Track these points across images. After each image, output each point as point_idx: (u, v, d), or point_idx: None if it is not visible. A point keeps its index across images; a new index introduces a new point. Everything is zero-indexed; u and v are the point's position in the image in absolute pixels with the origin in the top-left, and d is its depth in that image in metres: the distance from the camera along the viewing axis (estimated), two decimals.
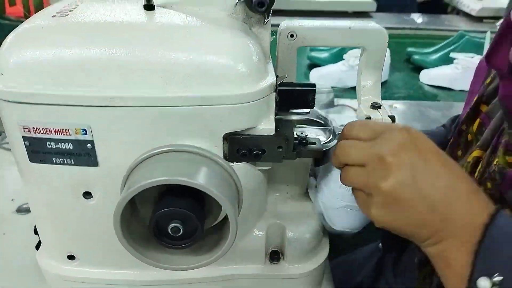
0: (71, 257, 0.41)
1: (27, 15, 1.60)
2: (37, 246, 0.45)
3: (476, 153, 0.49)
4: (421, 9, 2.23)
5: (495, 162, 0.45)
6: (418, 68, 1.24)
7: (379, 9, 1.99)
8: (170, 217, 0.30)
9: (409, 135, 0.33)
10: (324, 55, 1.24)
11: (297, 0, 1.99)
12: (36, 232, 0.45)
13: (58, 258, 0.42)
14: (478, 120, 0.52)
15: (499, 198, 0.42)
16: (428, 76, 1.18)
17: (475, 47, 1.21)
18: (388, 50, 1.18)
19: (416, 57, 1.26)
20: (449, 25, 1.86)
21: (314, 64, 1.24)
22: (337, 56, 1.19)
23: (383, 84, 1.17)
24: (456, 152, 0.54)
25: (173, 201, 0.30)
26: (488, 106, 0.52)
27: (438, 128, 0.68)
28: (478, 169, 0.48)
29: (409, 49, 1.31)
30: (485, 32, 1.23)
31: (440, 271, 0.34)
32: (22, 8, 1.56)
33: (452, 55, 1.18)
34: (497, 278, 0.29)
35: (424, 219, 0.32)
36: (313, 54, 1.25)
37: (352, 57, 1.11)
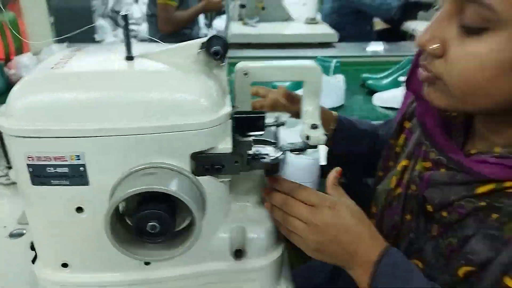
0: (64, 265, 0.49)
1: (8, 58, 1.68)
2: (33, 260, 0.53)
3: (403, 162, 0.60)
4: (381, 37, 2.40)
5: (416, 168, 0.56)
6: (372, 92, 1.38)
7: (341, 39, 2.17)
8: (148, 217, 0.39)
9: (334, 210, 0.48)
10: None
11: (270, 34, 2.15)
12: (32, 248, 0.53)
13: (53, 266, 0.49)
14: (403, 135, 0.64)
15: (423, 197, 0.53)
16: (380, 99, 1.31)
17: None
18: (342, 76, 1.33)
19: (370, 82, 1.40)
20: (404, 51, 2.03)
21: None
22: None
23: (340, 107, 1.30)
24: (388, 163, 0.65)
25: (151, 205, 0.39)
26: (410, 122, 0.63)
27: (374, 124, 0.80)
28: (405, 175, 0.59)
29: (364, 75, 1.45)
30: None
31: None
32: (3, 50, 1.64)
33: (400, 78, 1.32)
34: None
35: (339, 256, 0.49)
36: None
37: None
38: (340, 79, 1.26)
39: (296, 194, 0.50)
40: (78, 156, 0.42)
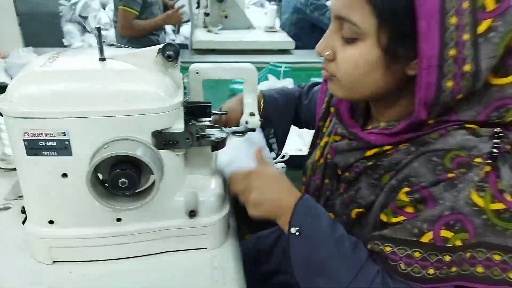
0: (51, 222, 0.62)
1: None
2: (23, 222, 0.65)
3: (325, 139, 0.76)
4: None
5: (329, 141, 0.73)
6: None
7: (299, 48, 2.36)
8: (120, 175, 0.53)
9: (259, 174, 0.66)
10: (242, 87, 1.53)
11: (232, 41, 2.31)
12: (23, 211, 0.65)
13: (42, 224, 0.62)
14: (329, 118, 0.80)
15: (334, 163, 0.69)
16: None
17: None
18: (291, 80, 1.50)
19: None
20: None
21: (234, 93, 1.53)
22: None
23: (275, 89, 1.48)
24: (316, 141, 0.82)
25: (121, 166, 0.53)
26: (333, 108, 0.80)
27: (294, 88, 0.99)
28: (325, 149, 0.75)
29: (313, 79, 1.64)
30: None
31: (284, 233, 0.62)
32: None
33: None
34: (296, 228, 0.59)
35: (270, 210, 0.63)
36: (234, 86, 1.53)
37: (263, 87, 1.40)
38: (289, 82, 1.43)
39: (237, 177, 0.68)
40: (64, 133, 0.56)
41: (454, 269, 0.52)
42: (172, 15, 2.46)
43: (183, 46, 2.97)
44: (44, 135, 0.55)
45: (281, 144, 0.96)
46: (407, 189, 0.55)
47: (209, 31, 2.41)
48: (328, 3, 2.30)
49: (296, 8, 2.44)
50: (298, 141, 1.31)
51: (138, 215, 0.63)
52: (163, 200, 0.63)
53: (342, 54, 0.58)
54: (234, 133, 0.70)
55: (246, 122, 0.69)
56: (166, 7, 2.63)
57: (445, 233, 0.52)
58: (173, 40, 3.40)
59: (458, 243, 0.51)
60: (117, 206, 0.56)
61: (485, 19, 0.50)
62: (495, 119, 0.54)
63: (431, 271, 0.53)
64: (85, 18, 3.32)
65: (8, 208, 0.79)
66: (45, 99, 0.55)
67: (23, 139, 0.55)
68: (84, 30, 3.35)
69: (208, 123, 0.69)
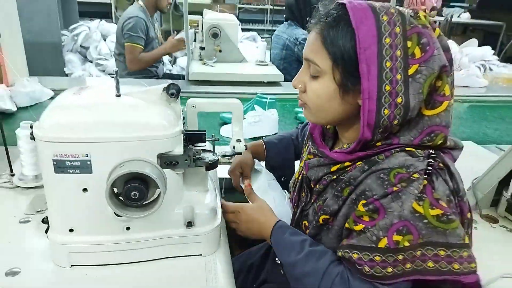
0: (71, 230, 0.73)
1: None
2: (46, 230, 0.76)
3: (303, 160, 0.90)
4: None
5: (306, 159, 0.86)
6: (302, 123, 1.71)
7: (286, 79, 2.54)
8: (131, 189, 0.65)
9: (246, 212, 0.84)
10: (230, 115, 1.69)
11: (225, 73, 2.47)
12: (44, 222, 0.77)
13: (63, 232, 0.73)
14: (307, 144, 0.94)
15: (307, 178, 0.83)
16: None
17: None
18: (275, 110, 1.65)
19: (300, 115, 1.74)
20: None
21: (224, 121, 1.68)
22: None
23: (274, 135, 1.62)
24: (300, 163, 0.95)
25: (133, 182, 0.66)
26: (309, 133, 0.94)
27: (293, 130, 1.15)
28: (301, 168, 0.89)
29: (296, 109, 1.79)
30: None
31: None
32: None
33: None
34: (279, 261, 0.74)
35: (259, 232, 0.81)
36: (223, 115, 1.68)
37: (249, 116, 1.54)
38: (274, 112, 1.58)
39: (228, 209, 0.86)
40: (86, 154, 0.68)
41: (408, 265, 0.65)
42: (176, 44, 2.65)
43: (180, 76, 3.14)
44: (70, 156, 0.68)
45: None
46: (363, 201, 0.68)
47: (204, 63, 2.58)
48: None
49: (286, 45, 2.65)
50: None
51: (144, 225, 0.75)
52: (165, 212, 0.76)
53: (309, 87, 0.74)
54: (224, 156, 0.83)
55: (234, 147, 0.82)
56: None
57: (396, 237, 0.65)
58: (170, 70, 3.56)
59: (406, 244, 0.64)
60: (129, 215, 0.68)
61: (413, 64, 0.66)
62: (427, 142, 0.69)
63: (390, 269, 0.65)
64: (87, 48, 3.50)
65: (28, 221, 0.90)
66: (72, 127, 0.68)
67: (52, 159, 0.68)
68: (85, 59, 3.51)
69: (203, 148, 0.83)
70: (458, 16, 7.46)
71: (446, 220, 0.65)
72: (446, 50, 0.69)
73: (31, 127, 0.70)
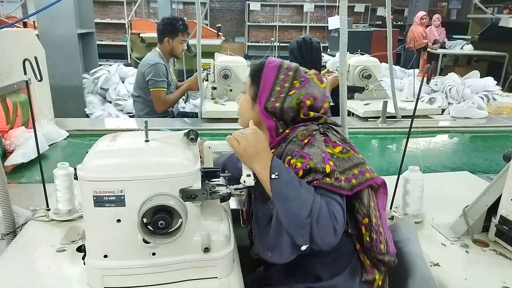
0: (105, 256, 0.86)
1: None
2: (83, 257, 0.89)
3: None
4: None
5: None
6: None
7: None
8: (159, 219, 0.78)
9: (255, 132, 0.96)
10: None
11: (236, 111, 2.62)
12: (78, 250, 0.90)
13: (98, 257, 0.86)
14: None
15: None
16: None
17: None
18: None
19: None
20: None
21: None
22: None
23: None
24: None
25: (160, 212, 0.79)
26: None
27: None
28: None
29: None
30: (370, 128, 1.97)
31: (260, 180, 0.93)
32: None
33: None
34: (275, 174, 0.88)
35: (250, 156, 0.92)
36: None
37: None
38: None
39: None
40: (121, 190, 0.82)
41: (342, 184, 0.91)
42: (194, 82, 2.82)
43: (193, 114, 3.33)
44: (107, 192, 0.82)
45: None
46: (288, 157, 0.95)
47: (216, 102, 2.76)
48: None
49: None
50: None
51: (168, 251, 0.87)
52: (185, 239, 0.88)
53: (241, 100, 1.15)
54: (236, 189, 0.96)
55: (244, 181, 0.95)
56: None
57: (331, 163, 0.92)
58: (183, 108, 3.76)
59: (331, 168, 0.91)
60: (157, 241, 0.81)
61: (291, 90, 1.04)
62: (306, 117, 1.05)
63: (342, 184, 0.91)
64: (106, 90, 3.73)
65: (64, 250, 1.03)
66: (109, 168, 0.82)
67: (93, 195, 0.82)
68: (104, 100, 3.74)
69: (217, 182, 0.96)
70: (461, 48, 7.67)
71: (346, 151, 0.98)
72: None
73: (75, 168, 0.84)
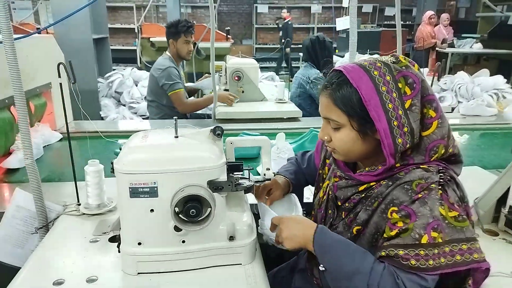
0: (139, 243, 0.93)
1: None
2: (118, 246, 0.96)
3: (326, 182, 1.08)
4: None
5: (332, 182, 1.04)
6: None
7: (306, 115, 2.75)
8: (190, 208, 0.85)
9: (286, 223, 0.95)
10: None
11: (248, 111, 2.71)
12: (111, 240, 0.97)
13: (132, 245, 0.93)
14: (326, 167, 1.12)
15: (335, 197, 1.00)
16: None
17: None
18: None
19: None
20: None
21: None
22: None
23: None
24: (319, 184, 1.13)
25: (191, 202, 0.85)
26: (329, 159, 1.12)
27: (292, 159, 1.27)
28: (327, 189, 1.06)
29: None
30: None
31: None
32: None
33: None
34: (323, 268, 0.87)
35: (299, 243, 0.91)
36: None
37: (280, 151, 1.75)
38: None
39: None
40: (154, 182, 0.89)
41: (443, 260, 0.79)
42: (226, 97, 2.83)
43: (205, 116, 3.40)
44: (142, 184, 0.89)
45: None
46: (394, 208, 0.85)
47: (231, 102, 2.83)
48: None
49: (300, 84, 2.89)
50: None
51: (196, 239, 0.94)
52: (212, 228, 0.94)
53: (334, 137, 0.94)
54: (256, 181, 1.02)
55: (264, 174, 1.02)
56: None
57: (433, 234, 0.80)
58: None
59: (440, 240, 0.80)
60: (188, 228, 0.88)
61: (407, 100, 0.86)
62: (433, 155, 0.88)
63: (431, 262, 0.79)
64: (120, 93, 3.84)
65: (97, 241, 1.11)
66: (143, 162, 0.89)
67: (129, 187, 0.89)
68: (118, 103, 3.85)
69: (240, 175, 1.02)
70: (471, 47, 7.66)
71: (461, 219, 0.82)
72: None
73: (112, 163, 0.92)
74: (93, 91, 3.76)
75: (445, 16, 7.71)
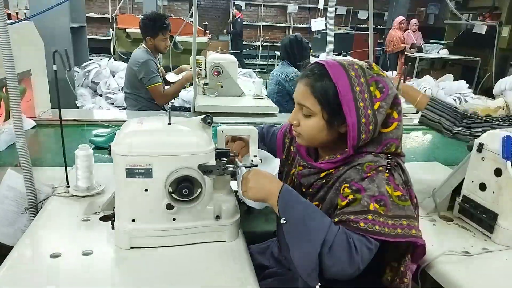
0: (133, 220, 1.01)
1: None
2: (112, 222, 1.04)
3: (292, 170, 1.18)
4: None
5: (296, 171, 1.14)
6: None
7: (283, 111, 2.87)
8: (183, 188, 0.94)
9: (253, 173, 1.03)
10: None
11: (226, 105, 2.79)
12: (103, 219, 1.04)
13: (127, 221, 1.01)
14: (291, 156, 1.22)
15: (300, 184, 1.11)
16: None
17: None
18: None
19: None
20: None
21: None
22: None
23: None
24: (284, 170, 1.23)
25: (184, 182, 0.95)
26: (293, 148, 1.22)
27: (259, 128, 1.35)
28: (293, 177, 1.17)
29: None
30: None
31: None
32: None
33: None
34: (284, 220, 0.95)
35: (262, 195, 1.00)
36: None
37: None
38: None
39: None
40: (149, 164, 0.97)
41: (386, 229, 0.90)
42: (189, 75, 2.94)
43: (182, 108, 3.46)
44: (137, 165, 0.97)
45: None
46: (346, 185, 0.96)
47: (208, 97, 2.90)
48: None
49: (278, 81, 3.01)
50: None
51: (186, 217, 1.03)
52: (201, 208, 1.04)
53: (303, 123, 1.04)
54: (245, 166, 1.12)
55: (252, 160, 1.12)
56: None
57: (375, 205, 0.90)
58: (172, 103, 3.89)
59: (382, 212, 0.91)
60: (180, 206, 0.97)
61: (377, 102, 0.97)
62: (385, 150, 1.00)
63: (377, 227, 0.89)
64: (97, 83, 3.82)
65: (89, 220, 1.17)
66: (139, 145, 0.97)
67: (125, 168, 0.97)
68: (95, 93, 3.83)
69: (227, 161, 1.12)
70: (437, 52, 8.05)
71: (404, 199, 0.94)
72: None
73: (109, 146, 0.99)
74: (70, 80, 3.73)
75: (413, 21, 8.05)
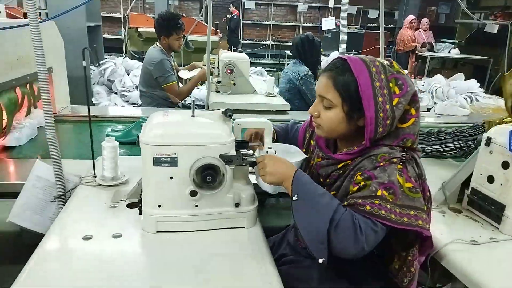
0: (159, 206, 1.08)
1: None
2: (139, 208, 1.11)
3: (311, 162, 1.25)
4: None
5: (315, 162, 1.21)
6: None
7: (294, 109, 2.93)
8: (207, 175, 1.01)
9: (269, 157, 1.10)
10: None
11: (239, 103, 2.85)
12: (129, 206, 1.12)
13: (153, 207, 1.08)
14: (310, 149, 1.29)
15: (318, 174, 1.17)
16: None
17: None
18: None
19: None
20: None
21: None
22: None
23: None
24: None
25: (207, 170, 1.01)
26: (313, 141, 1.28)
27: (284, 124, 1.45)
28: (312, 169, 1.24)
29: None
30: None
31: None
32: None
33: None
34: (296, 197, 1.02)
35: (279, 178, 1.07)
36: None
37: None
38: None
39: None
40: (175, 153, 1.04)
41: (393, 216, 0.96)
42: (203, 73, 3.02)
43: (199, 106, 3.54)
44: (164, 154, 1.04)
45: None
46: (359, 173, 1.02)
47: (221, 95, 2.98)
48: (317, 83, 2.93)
49: (290, 80, 3.07)
50: None
51: (207, 204, 1.10)
52: (221, 195, 1.11)
53: (323, 115, 1.10)
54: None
55: (267, 152, 1.19)
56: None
57: (384, 192, 0.96)
58: (185, 100, 3.97)
59: (390, 199, 0.96)
60: (203, 192, 1.04)
61: (395, 98, 1.03)
62: (401, 145, 1.05)
63: (383, 212, 0.95)
64: (112, 81, 3.92)
65: (116, 207, 1.25)
66: (165, 136, 1.05)
67: (153, 157, 1.04)
68: (110, 91, 3.93)
69: (246, 152, 1.18)
70: (449, 52, 8.03)
71: (415, 191, 0.98)
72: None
73: (138, 136, 1.06)
74: (86, 78, 3.84)
75: (424, 20, 8.03)
